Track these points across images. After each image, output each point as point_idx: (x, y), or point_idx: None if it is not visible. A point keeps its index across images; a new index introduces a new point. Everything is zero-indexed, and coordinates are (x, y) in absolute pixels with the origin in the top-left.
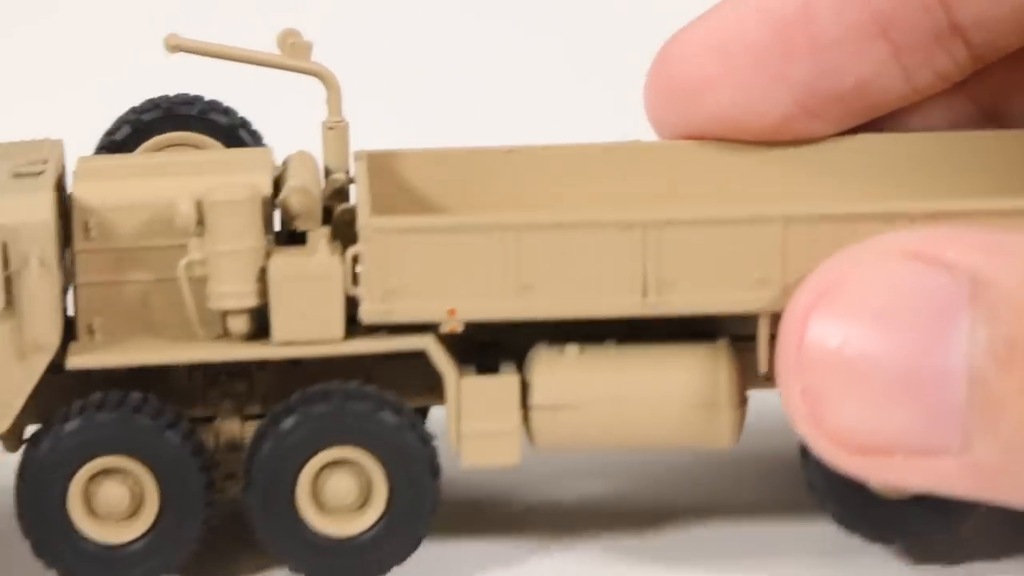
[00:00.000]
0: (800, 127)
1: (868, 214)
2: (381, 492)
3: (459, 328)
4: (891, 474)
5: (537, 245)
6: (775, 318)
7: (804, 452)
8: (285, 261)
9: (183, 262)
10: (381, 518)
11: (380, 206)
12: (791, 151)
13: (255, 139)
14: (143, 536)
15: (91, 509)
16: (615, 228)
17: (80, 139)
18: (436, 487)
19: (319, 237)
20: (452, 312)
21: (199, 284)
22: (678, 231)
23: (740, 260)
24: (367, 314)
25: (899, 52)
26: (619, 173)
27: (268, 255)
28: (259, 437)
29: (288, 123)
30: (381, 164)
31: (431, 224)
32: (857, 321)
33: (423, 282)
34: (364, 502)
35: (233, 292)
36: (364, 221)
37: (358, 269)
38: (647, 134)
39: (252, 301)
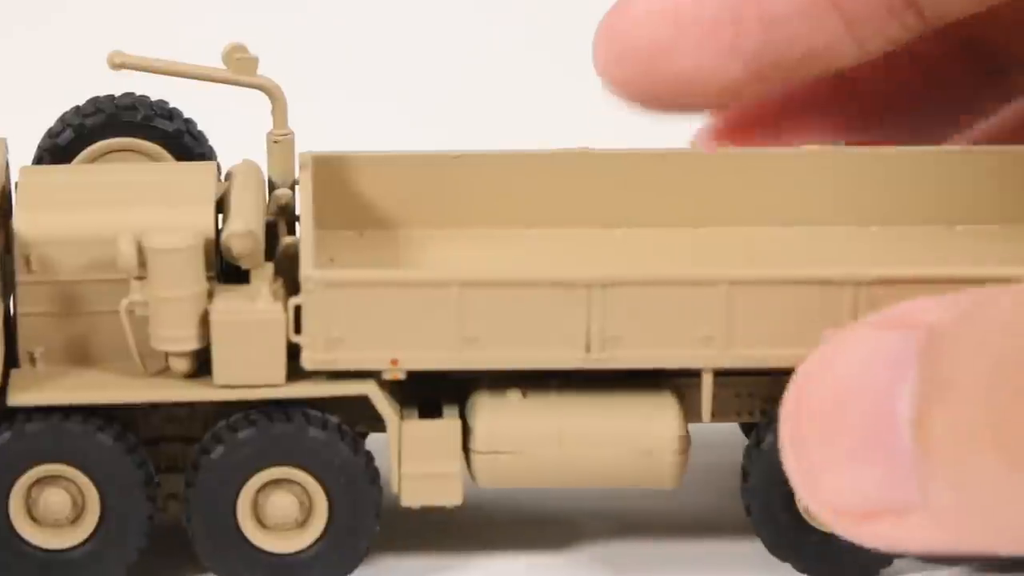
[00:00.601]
0: (751, 91)
1: (811, 278)
2: (321, 505)
3: (401, 376)
4: (887, 539)
5: (481, 300)
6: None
7: (744, 476)
8: (227, 307)
9: (124, 302)
10: (325, 531)
11: (324, 213)
12: (742, 162)
13: (199, 143)
14: (85, 542)
15: (32, 515)
16: (559, 287)
17: (25, 130)
18: (376, 492)
19: (262, 278)
20: (394, 362)
21: (141, 321)
22: (622, 291)
23: (685, 318)
24: (309, 362)
25: (851, 24)
26: (568, 181)
27: (210, 295)
28: (193, 467)
29: (234, 118)
30: (327, 168)
31: (375, 277)
32: (831, 389)
33: (366, 332)
34: (307, 517)
35: (174, 336)
36: (307, 272)
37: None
38: (598, 142)
39: (193, 345)
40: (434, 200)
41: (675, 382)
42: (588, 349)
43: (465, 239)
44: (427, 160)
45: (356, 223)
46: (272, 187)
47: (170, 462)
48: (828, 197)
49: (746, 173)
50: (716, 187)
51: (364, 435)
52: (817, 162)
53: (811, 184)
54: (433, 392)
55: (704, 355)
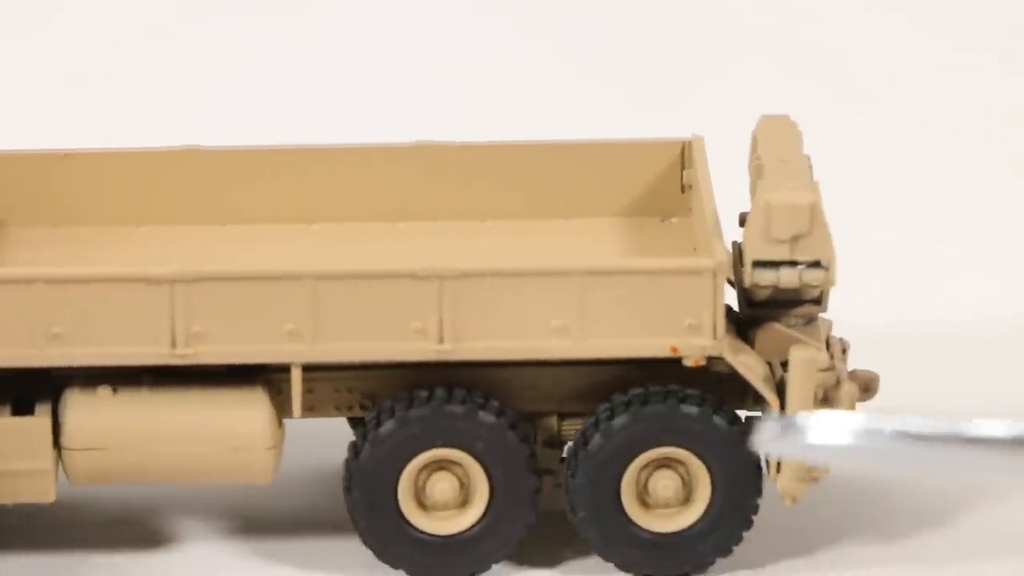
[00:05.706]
0: None
1: (392, 272)
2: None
3: None
4: None
5: (62, 297)
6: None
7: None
8: None
9: None
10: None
11: None
12: (345, 157)
13: None
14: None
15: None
16: (140, 283)
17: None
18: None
19: None
20: None
21: None
22: (204, 287)
23: (269, 313)
24: None
25: None
26: (178, 179)
27: None
28: None
29: None
30: None
31: None
32: None
33: None
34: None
35: None
36: None
37: None
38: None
39: None
40: (47, 198)
41: (270, 377)
42: (173, 345)
43: (77, 237)
44: (36, 159)
45: None
46: None
47: None
48: (438, 192)
49: (352, 169)
50: (325, 184)
51: None
52: (427, 157)
53: (408, 179)
54: (32, 391)
55: (290, 350)
